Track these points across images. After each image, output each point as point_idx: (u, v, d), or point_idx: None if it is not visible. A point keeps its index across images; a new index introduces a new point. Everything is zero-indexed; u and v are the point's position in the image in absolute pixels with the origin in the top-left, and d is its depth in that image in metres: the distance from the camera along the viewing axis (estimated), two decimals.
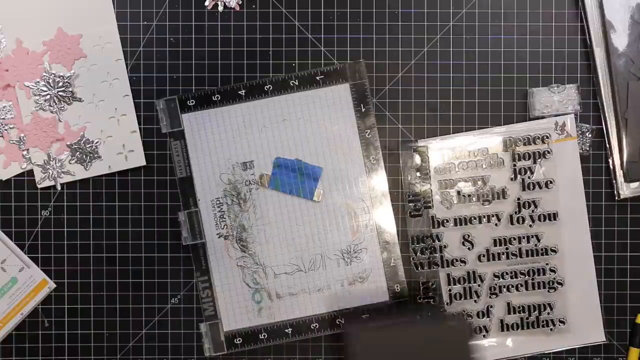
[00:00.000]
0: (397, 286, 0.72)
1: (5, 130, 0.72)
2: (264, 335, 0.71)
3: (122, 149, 0.73)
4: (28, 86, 0.72)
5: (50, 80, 0.72)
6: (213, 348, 0.71)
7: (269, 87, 0.72)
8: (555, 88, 0.72)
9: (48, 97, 0.72)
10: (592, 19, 0.73)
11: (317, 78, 0.72)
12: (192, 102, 0.71)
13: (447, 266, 0.73)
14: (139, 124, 0.73)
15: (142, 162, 0.73)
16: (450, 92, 0.74)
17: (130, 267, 0.73)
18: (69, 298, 0.73)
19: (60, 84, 0.72)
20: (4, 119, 0.72)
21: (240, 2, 0.73)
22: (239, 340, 0.71)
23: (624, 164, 0.72)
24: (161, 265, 0.73)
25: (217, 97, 0.72)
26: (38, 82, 0.72)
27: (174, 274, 0.73)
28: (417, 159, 0.72)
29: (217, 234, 0.72)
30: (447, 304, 0.73)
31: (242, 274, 0.72)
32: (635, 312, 0.74)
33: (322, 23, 0.74)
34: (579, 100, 0.72)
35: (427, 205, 0.72)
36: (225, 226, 0.72)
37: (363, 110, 0.72)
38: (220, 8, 0.73)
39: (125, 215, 0.73)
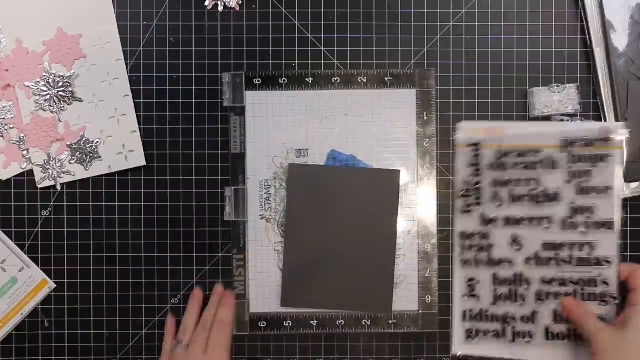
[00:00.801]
0: (428, 297, 0.72)
1: (5, 130, 0.72)
2: (289, 324, 0.72)
3: (122, 149, 0.73)
4: (28, 86, 0.72)
5: (50, 80, 0.72)
6: (236, 327, 0.71)
7: (337, 80, 0.72)
8: (555, 88, 0.73)
9: (48, 97, 0.72)
10: (592, 19, 0.73)
11: (386, 79, 0.72)
12: (259, 81, 0.72)
13: (494, 265, 0.71)
14: (139, 124, 0.73)
15: (142, 162, 0.73)
16: (450, 92, 0.74)
17: (130, 267, 0.73)
18: (69, 298, 0.73)
19: (60, 84, 0.72)
20: (4, 119, 0.72)
21: (240, 2, 0.73)
22: (264, 323, 0.72)
23: (624, 164, 0.72)
24: (161, 265, 0.73)
25: (284, 81, 0.72)
26: (38, 82, 0.72)
27: (174, 274, 0.73)
28: (472, 154, 0.70)
29: (260, 216, 0.72)
30: (492, 304, 0.70)
31: (277, 259, 0.72)
32: None
33: (322, 23, 0.74)
34: (579, 100, 0.72)
35: (478, 202, 0.70)
36: (270, 209, 0.72)
37: (425, 118, 0.72)
38: (220, 8, 0.73)
39: (125, 215, 0.73)
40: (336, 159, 0.72)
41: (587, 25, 0.73)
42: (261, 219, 0.72)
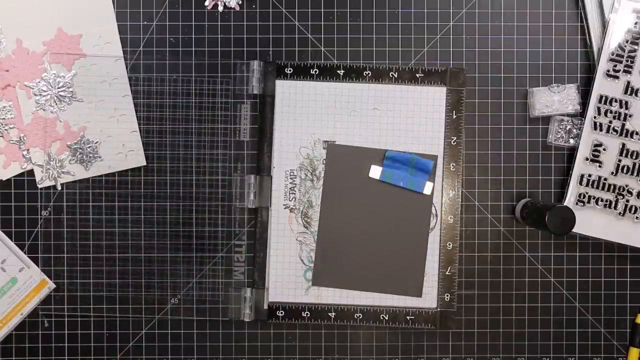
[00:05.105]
0: (447, 295, 0.72)
1: (5, 130, 0.72)
2: (307, 314, 0.72)
3: (122, 148, 0.73)
4: (28, 86, 0.72)
5: (50, 80, 0.72)
6: (254, 314, 0.72)
7: (368, 74, 0.72)
8: (555, 88, 0.72)
9: (48, 97, 0.72)
10: (592, 19, 0.73)
11: (417, 75, 0.72)
12: (290, 70, 0.72)
13: (626, 136, 0.70)
14: (139, 124, 0.73)
15: (142, 162, 0.73)
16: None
17: (130, 267, 0.73)
18: (69, 298, 0.73)
19: (61, 84, 0.72)
20: (4, 119, 0.72)
21: (240, 2, 0.73)
22: (281, 312, 0.72)
23: None
24: (161, 265, 0.73)
25: (315, 72, 0.72)
26: (38, 82, 0.72)
27: (174, 274, 0.73)
28: (636, 20, 0.69)
29: (284, 205, 0.73)
30: (612, 173, 0.70)
31: (299, 249, 0.72)
32: (635, 312, 0.74)
33: (322, 23, 0.74)
34: (579, 100, 0.72)
35: (628, 70, 0.69)
36: (294, 199, 0.73)
37: (454, 117, 0.72)
38: (220, 8, 0.73)
39: (125, 215, 0.73)
40: (393, 159, 0.72)
41: (587, 25, 0.73)
42: (285, 208, 0.73)
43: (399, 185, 0.72)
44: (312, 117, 0.73)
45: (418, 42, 0.74)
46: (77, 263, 0.73)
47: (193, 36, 0.73)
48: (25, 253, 0.73)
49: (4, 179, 0.73)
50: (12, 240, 0.73)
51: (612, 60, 0.70)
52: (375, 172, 0.72)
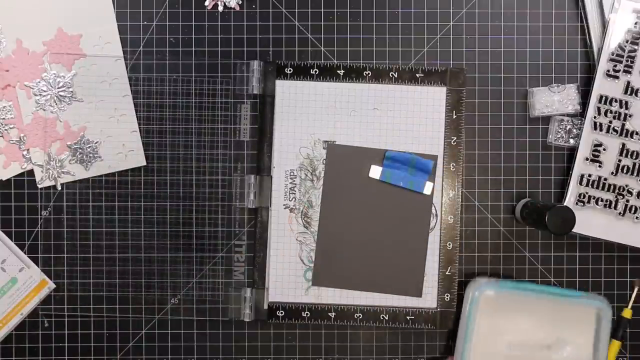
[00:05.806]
0: (447, 295, 0.72)
1: (5, 130, 0.72)
2: (307, 314, 0.72)
3: (122, 148, 0.73)
4: (28, 86, 0.72)
5: (50, 80, 0.72)
6: (254, 314, 0.72)
7: (368, 74, 0.72)
8: (555, 88, 0.72)
9: (48, 97, 0.72)
10: (592, 19, 0.73)
11: (417, 75, 0.72)
12: (290, 70, 0.72)
13: (626, 136, 0.70)
14: (139, 124, 0.73)
15: (142, 162, 0.73)
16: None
17: (130, 267, 0.73)
18: (69, 298, 0.73)
19: (61, 84, 0.72)
20: (4, 119, 0.72)
21: (240, 2, 0.73)
22: (281, 312, 0.72)
23: None
24: (161, 265, 0.73)
25: (315, 72, 0.72)
26: (38, 82, 0.72)
27: (174, 274, 0.73)
28: (636, 20, 0.69)
29: (284, 205, 0.73)
30: (612, 173, 0.70)
31: (299, 249, 0.73)
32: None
33: (322, 23, 0.74)
34: (579, 100, 0.72)
35: (628, 70, 0.69)
36: (294, 199, 0.73)
37: (454, 117, 0.72)
38: (220, 8, 0.73)
39: (125, 215, 0.73)
40: (393, 159, 0.72)
41: (587, 25, 0.73)
42: (285, 208, 0.73)
43: (399, 185, 0.72)
44: (312, 117, 0.73)
45: (418, 42, 0.74)
46: (77, 263, 0.73)
47: (193, 36, 0.73)
48: (25, 253, 0.73)
49: (4, 179, 0.73)
50: (12, 240, 0.73)
51: (612, 60, 0.71)
52: (375, 172, 0.72)
